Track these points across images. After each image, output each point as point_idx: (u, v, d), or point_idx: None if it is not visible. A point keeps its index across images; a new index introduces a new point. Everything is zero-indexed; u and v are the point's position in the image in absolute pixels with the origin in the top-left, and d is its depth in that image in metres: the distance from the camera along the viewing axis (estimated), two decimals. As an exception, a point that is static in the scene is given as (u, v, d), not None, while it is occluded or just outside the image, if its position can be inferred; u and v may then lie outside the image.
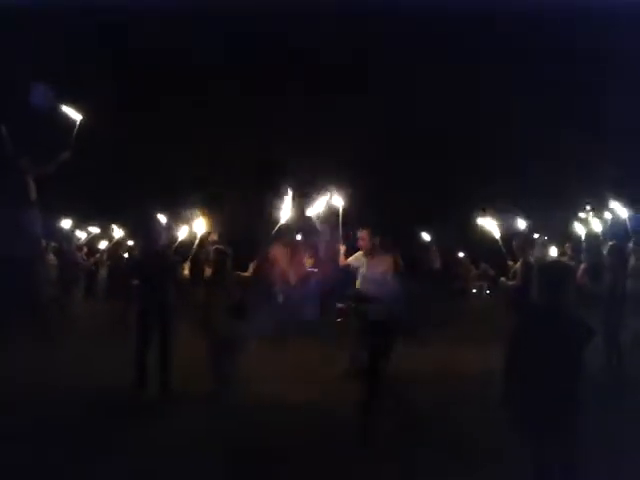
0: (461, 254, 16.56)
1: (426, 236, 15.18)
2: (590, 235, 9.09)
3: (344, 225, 7.30)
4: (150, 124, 14.09)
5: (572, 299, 3.57)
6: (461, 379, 7.14)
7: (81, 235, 13.27)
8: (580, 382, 3.38)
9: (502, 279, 7.61)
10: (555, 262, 5.59)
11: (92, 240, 13.68)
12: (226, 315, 5.70)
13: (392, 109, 15.49)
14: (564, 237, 10.58)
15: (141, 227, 6.74)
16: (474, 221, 8.67)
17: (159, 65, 13.87)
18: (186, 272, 6.15)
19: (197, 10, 11.84)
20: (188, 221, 7.17)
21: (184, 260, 6.25)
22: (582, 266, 8.10)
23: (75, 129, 8.38)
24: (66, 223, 11.95)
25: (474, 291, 17.33)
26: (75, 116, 8.36)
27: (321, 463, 4.53)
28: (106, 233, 14.42)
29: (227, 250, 6.00)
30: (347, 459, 4.61)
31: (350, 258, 6.91)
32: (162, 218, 8.84)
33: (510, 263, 7.24)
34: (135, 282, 6.89)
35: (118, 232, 13.37)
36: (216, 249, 6.01)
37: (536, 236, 10.60)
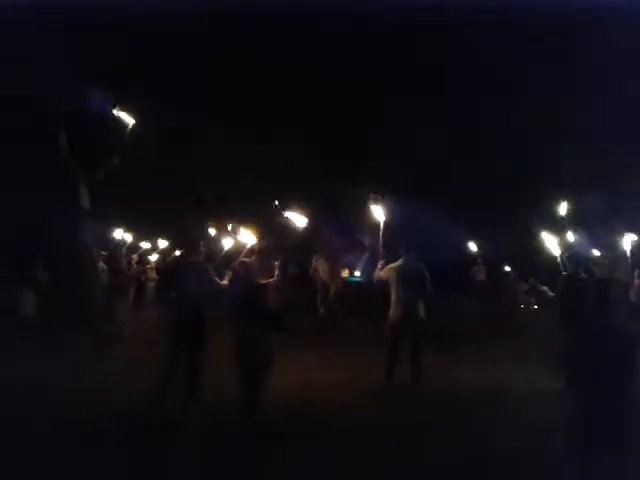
0: (508, 268, 16.22)
1: (473, 249, 14.99)
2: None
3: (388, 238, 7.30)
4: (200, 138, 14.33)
5: (626, 315, 3.48)
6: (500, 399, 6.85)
7: (132, 244, 13.57)
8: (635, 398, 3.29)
9: (551, 294, 7.50)
10: (609, 279, 5.41)
11: (144, 253, 14.08)
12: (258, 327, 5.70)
13: (439, 116, 15.30)
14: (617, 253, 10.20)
15: (182, 239, 6.70)
16: (523, 236, 8.59)
17: (220, 77, 14.08)
18: (225, 282, 6.13)
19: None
20: (235, 232, 7.22)
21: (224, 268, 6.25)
22: (637, 281, 7.86)
23: (127, 134, 8.51)
24: (118, 233, 12.29)
25: (522, 306, 16.87)
26: (128, 120, 8.47)
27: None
28: (155, 245, 14.82)
29: (252, 262, 6.00)
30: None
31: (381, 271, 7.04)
32: (209, 230, 8.93)
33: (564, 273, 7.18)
34: (172, 294, 6.89)
35: (163, 243, 13.68)
36: (241, 262, 6.02)
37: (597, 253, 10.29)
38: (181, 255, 6.89)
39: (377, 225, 7.39)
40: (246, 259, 6.10)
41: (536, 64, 14.18)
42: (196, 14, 10.48)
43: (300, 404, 6.25)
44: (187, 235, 7.20)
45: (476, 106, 14.80)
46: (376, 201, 7.49)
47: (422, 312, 7.00)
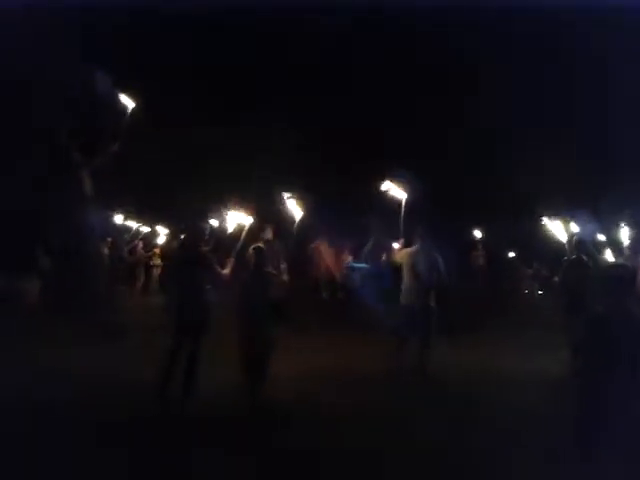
0: (512, 254, 16.26)
1: (476, 234, 14.98)
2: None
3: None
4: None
5: (634, 301, 3.46)
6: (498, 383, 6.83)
7: (135, 230, 13.55)
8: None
9: (555, 279, 7.52)
10: (617, 264, 5.38)
11: (147, 237, 14.02)
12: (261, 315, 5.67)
13: (441, 108, 15.25)
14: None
15: (185, 227, 6.56)
16: (527, 222, 8.60)
17: (224, 63, 13.97)
18: (227, 271, 6.06)
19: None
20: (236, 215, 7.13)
21: (226, 257, 6.19)
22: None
23: (126, 117, 8.40)
24: (118, 218, 12.24)
25: (526, 291, 16.94)
26: (128, 103, 8.34)
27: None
28: (157, 231, 14.79)
29: (264, 249, 5.96)
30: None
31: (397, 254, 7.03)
32: (211, 220, 8.80)
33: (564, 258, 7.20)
34: (174, 284, 6.80)
35: (164, 231, 13.63)
36: (253, 248, 5.96)
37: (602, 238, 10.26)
38: (183, 242, 6.77)
39: (388, 208, 7.32)
40: (256, 245, 6.06)
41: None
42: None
43: (303, 391, 6.21)
44: (189, 224, 7.02)
45: (477, 93, 14.75)
46: (396, 182, 7.36)
47: (433, 300, 6.90)
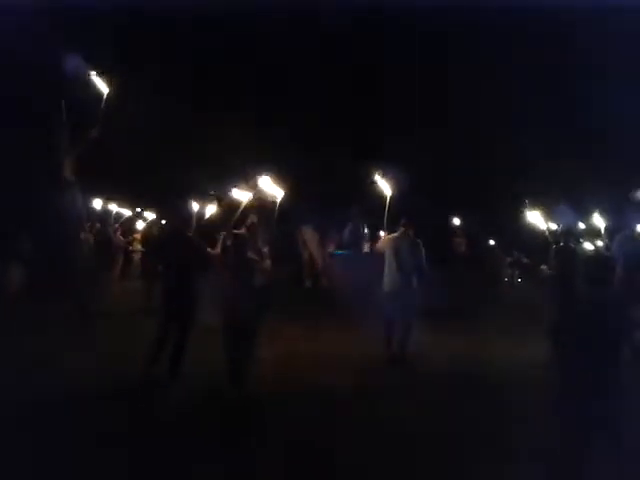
0: (492, 242, 16.46)
1: (456, 222, 15.13)
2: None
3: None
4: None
5: (613, 289, 3.55)
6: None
7: (116, 214, 13.40)
8: (620, 370, 3.42)
9: (542, 267, 7.65)
10: (597, 253, 5.50)
11: (127, 222, 13.87)
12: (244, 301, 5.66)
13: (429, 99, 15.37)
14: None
15: (170, 211, 6.49)
16: (506, 210, 8.74)
17: (203, 46, 13.84)
18: (217, 250, 6.03)
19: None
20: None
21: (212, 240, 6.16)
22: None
23: (102, 102, 8.31)
24: (98, 203, 12.08)
25: (506, 279, 17.19)
26: (103, 88, 8.26)
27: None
28: (140, 215, 14.63)
29: (245, 235, 5.96)
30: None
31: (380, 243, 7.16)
32: (194, 204, 8.79)
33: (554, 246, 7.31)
34: (160, 267, 6.73)
35: (150, 215, 13.51)
36: (234, 235, 5.92)
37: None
38: (167, 227, 6.71)
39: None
40: (237, 232, 6.03)
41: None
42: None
43: (285, 376, 6.26)
44: (174, 208, 6.95)
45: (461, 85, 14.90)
46: (382, 175, 7.54)
47: (415, 284, 7.07)
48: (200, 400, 5.41)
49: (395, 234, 7.24)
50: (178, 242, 6.16)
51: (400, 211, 7.37)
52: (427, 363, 6.97)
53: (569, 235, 7.43)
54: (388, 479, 4.05)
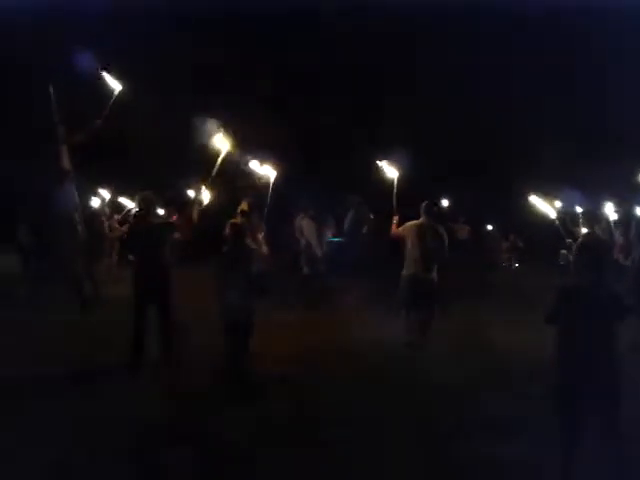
0: (490, 227, 16.50)
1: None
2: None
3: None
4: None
5: (610, 274, 3.55)
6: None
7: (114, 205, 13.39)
8: (616, 356, 3.43)
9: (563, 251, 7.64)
10: (594, 238, 5.49)
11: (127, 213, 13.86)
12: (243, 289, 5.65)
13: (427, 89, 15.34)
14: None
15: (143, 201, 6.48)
16: (505, 194, 8.73)
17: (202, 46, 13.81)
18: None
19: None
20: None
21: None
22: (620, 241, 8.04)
23: (112, 98, 8.35)
24: (100, 194, 12.07)
25: (504, 264, 17.25)
26: (115, 85, 8.31)
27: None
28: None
29: (241, 223, 5.98)
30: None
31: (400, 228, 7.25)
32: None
33: (569, 241, 7.18)
34: (130, 257, 6.70)
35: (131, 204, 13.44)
36: (231, 224, 5.86)
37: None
38: (135, 215, 6.72)
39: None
40: (234, 221, 6.03)
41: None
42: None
43: (283, 364, 6.28)
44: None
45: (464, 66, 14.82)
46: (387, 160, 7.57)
47: (435, 272, 7.09)
48: (195, 385, 5.48)
49: (418, 221, 7.19)
50: (146, 234, 6.19)
51: (406, 196, 7.37)
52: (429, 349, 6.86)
53: (593, 220, 7.04)
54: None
